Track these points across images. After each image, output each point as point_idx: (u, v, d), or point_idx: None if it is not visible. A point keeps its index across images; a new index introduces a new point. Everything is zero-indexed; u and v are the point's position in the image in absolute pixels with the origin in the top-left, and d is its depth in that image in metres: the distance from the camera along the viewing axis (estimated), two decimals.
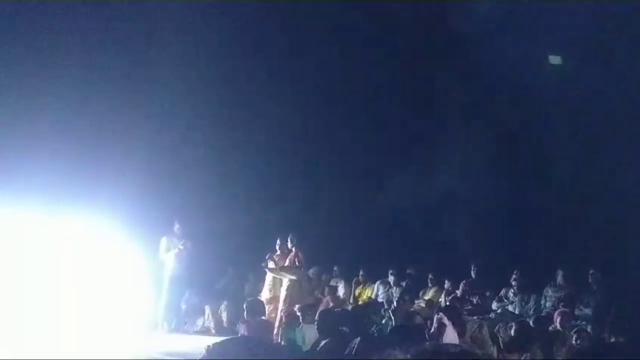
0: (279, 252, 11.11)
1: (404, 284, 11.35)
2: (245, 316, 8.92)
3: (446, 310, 8.63)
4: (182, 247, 11.49)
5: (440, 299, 10.55)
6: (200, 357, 2.78)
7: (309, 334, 8.33)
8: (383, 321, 9.32)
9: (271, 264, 11.04)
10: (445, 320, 8.00)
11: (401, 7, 11.73)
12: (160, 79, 12.46)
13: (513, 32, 11.27)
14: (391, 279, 11.49)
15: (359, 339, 6.97)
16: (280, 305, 10.58)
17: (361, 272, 12.07)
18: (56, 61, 11.99)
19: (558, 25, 11.38)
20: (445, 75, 12.33)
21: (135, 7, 11.96)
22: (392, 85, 13.00)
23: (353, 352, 6.75)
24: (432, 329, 8.26)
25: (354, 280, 12.09)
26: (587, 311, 9.38)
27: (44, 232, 10.97)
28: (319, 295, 11.58)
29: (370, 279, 11.91)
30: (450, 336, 7.93)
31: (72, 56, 12.09)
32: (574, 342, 7.69)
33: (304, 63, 12.73)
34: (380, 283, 11.62)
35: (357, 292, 11.88)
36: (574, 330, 7.95)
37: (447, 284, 10.91)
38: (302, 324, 8.88)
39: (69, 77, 11.99)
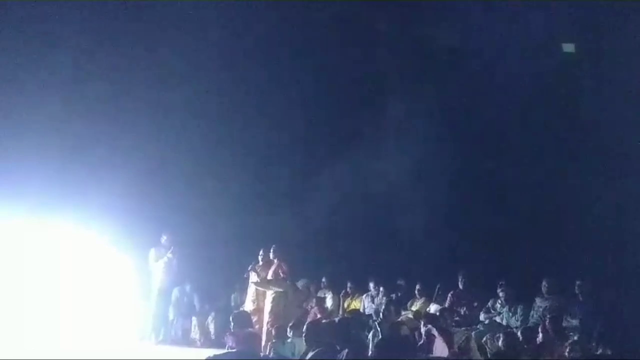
0: (261, 263, 11.08)
1: (392, 295, 11.34)
2: (232, 328, 8.89)
3: (431, 320, 8.65)
4: (170, 255, 11.49)
5: (428, 310, 10.55)
6: None
7: (298, 347, 8.30)
8: (370, 333, 9.30)
9: (253, 275, 10.99)
10: (435, 332, 8.02)
11: None
12: (152, 85, 12.45)
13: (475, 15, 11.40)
14: (377, 290, 11.48)
15: (346, 350, 6.95)
16: (266, 318, 10.54)
17: (349, 284, 12.05)
18: (45, 63, 11.95)
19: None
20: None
21: (125, 7, 11.97)
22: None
23: None
24: (422, 341, 8.28)
25: (341, 293, 12.06)
26: (575, 322, 9.39)
27: (32, 240, 10.94)
28: (307, 307, 11.55)
29: (359, 291, 11.88)
30: (440, 348, 7.95)
31: (62, 58, 12.04)
32: (566, 354, 7.72)
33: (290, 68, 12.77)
34: (367, 295, 11.62)
35: (345, 304, 11.84)
36: (567, 342, 7.95)
37: (435, 295, 10.91)
38: (291, 337, 8.86)
39: (59, 81, 11.96)
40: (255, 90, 13.19)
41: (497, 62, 11.78)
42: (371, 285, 11.56)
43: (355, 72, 13.05)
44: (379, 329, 9.18)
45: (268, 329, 10.18)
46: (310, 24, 12.56)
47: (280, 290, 10.65)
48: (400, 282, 11.68)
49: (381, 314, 10.16)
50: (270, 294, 10.70)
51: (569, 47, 11.78)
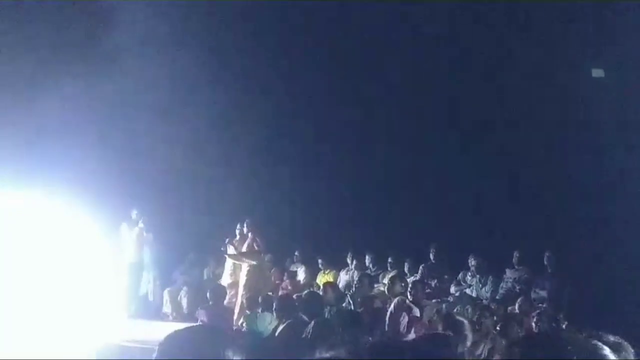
0: (238, 237, 11.10)
1: (370, 266, 11.35)
2: (209, 302, 8.93)
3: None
4: (142, 225, 11.51)
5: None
6: (158, 345, 2.77)
7: (268, 320, 8.33)
8: (342, 305, 9.34)
9: (231, 249, 11.02)
10: (410, 303, 8.02)
11: None
12: (132, 69, 12.27)
13: None
14: (351, 263, 11.49)
15: (313, 322, 6.97)
16: (241, 291, 10.57)
17: (320, 260, 12.01)
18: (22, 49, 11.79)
19: None
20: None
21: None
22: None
23: (309, 337, 6.75)
24: (393, 312, 8.26)
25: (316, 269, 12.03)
26: (543, 293, 9.51)
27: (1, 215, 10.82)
28: (277, 282, 11.58)
29: (331, 266, 11.87)
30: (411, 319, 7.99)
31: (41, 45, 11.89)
32: (533, 324, 7.81)
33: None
34: (342, 269, 11.62)
35: (318, 279, 11.80)
36: (534, 313, 8.06)
37: (406, 267, 10.95)
38: (262, 310, 8.88)
39: (40, 63, 11.79)
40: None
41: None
42: (349, 256, 11.54)
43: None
44: (351, 301, 9.22)
45: (242, 302, 10.21)
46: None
47: (254, 263, 10.70)
48: (369, 254, 11.63)
49: (354, 287, 10.20)
50: (245, 267, 10.75)
51: (598, 73, 11.64)
